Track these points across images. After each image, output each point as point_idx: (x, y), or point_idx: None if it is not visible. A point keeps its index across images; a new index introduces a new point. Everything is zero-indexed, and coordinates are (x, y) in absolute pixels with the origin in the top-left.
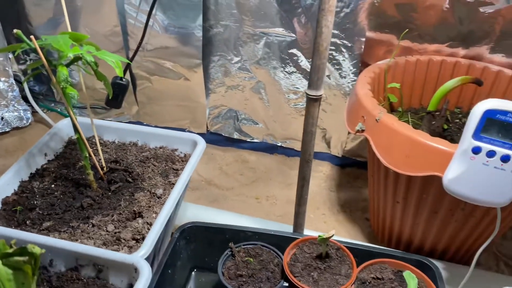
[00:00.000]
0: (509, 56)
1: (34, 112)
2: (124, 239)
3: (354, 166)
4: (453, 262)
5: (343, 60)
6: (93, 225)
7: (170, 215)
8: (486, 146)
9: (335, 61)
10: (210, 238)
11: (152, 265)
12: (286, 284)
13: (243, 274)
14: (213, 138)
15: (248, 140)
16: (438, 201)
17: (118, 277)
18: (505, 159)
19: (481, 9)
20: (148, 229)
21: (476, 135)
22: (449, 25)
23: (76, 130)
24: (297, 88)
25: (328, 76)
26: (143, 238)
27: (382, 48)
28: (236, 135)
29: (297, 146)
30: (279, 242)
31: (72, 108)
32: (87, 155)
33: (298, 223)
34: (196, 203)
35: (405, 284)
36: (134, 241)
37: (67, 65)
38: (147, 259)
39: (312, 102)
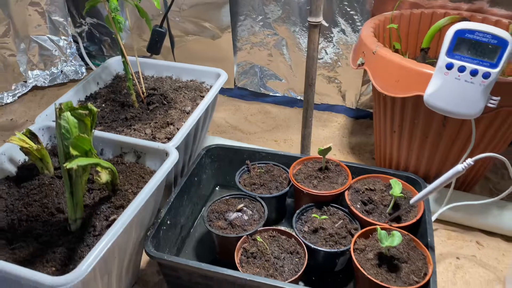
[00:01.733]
0: (507, 8)
1: (88, 68)
2: (158, 138)
3: (366, 117)
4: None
5: (355, 14)
6: (135, 130)
7: (197, 123)
8: (457, 62)
9: (348, 16)
10: (230, 158)
11: (181, 174)
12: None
13: (256, 183)
14: (240, 93)
15: (271, 94)
16: (428, 125)
17: (152, 161)
18: (473, 73)
19: None
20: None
21: (449, 53)
22: None
23: (122, 54)
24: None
25: (343, 31)
26: (174, 136)
27: (390, 3)
28: (260, 90)
29: (315, 99)
30: (288, 161)
31: (120, 32)
32: (130, 77)
33: (304, 145)
34: None
35: None
36: (166, 139)
37: None
38: (177, 162)
39: (313, 28)
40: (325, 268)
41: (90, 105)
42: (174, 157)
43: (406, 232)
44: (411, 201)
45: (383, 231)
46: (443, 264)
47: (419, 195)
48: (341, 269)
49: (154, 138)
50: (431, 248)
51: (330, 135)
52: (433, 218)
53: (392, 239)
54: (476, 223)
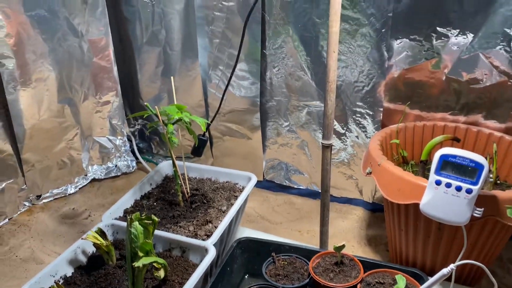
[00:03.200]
0: (500, 121)
1: (138, 162)
2: (199, 235)
3: (382, 211)
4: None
5: (367, 124)
6: (180, 226)
7: (231, 221)
8: (444, 180)
9: (361, 125)
10: (258, 249)
11: (216, 264)
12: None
13: (280, 274)
14: (268, 185)
15: (295, 187)
16: (428, 227)
17: (194, 255)
18: (458, 189)
19: (471, 86)
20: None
21: (437, 172)
22: (450, 98)
23: (174, 164)
24: (333, 146)
25: (357, 137)
26: (212, 234)
27: (397, 115)
28: (286, 183)
29: (335, 192)
30: (309, 254)
31: (172, 149)
32: (179, 182)
33: (323, 240)
34: None
35: None
36: (206, 236)
37: (173, 123)
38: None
39: (325, 148)
40: None
41: (154, 217)
42: (212, 253)
43: None
44: None
45: None
46: None
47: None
48: None
49: (196, 235)
50: None
51: (349, 227)
52: None
53: None
54: None
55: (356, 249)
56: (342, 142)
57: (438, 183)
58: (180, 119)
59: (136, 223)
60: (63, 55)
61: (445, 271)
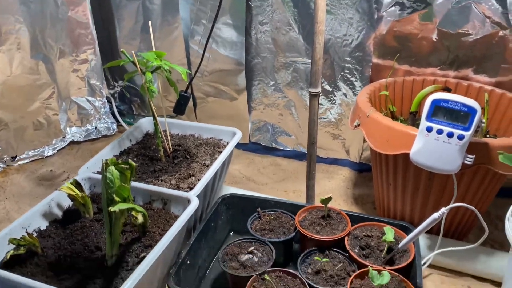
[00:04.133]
0: (490, 75)
1: (119, 125)
2: (182, 188)
3: (369, 171)
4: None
5: (355, 81)
6: (162, 180)
7: (215, 175)
8: (435, 126)
9: (349, 82)
10: (243, 206)
11: (200, 220)
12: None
13: (266, 229)
14: (254, 147)
15: (282, 148)
16: (417, 179)
17: (176, 207)
18: (449, 135)
19: (463, 39)
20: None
21: (428, 118)
22: (439, 52)
23: (154, 117)
24: (321, 105)
25: (344, 94)
26: (195, 186)
27: (386, 71)
28: (272, 145)
29: (321, 153)
30: (295, 209)
31: (152, 99)
32: (160, 136)
33: (309, 195)
34: None
35: None
36: (189, 189)
37: (152, 71)
38: (196, 212)
39: (313, 97)
40: None
41: (130, 161)
42: (195, 204)
43: (398, 274)
44: (400, 245)
45: (374, 272)
46: None
47: (405, 240)
48: None
49: (178, 188)
50: None
51: (335, 187)
52: (426, 263)
53: (382, 278)
54: (466, 269)
55: (343, 207)
56: (330, 101)
57: (429, 129)
58: (159, 67)
59: (112, 167)
60: (35, 7)
61: (436, 215)
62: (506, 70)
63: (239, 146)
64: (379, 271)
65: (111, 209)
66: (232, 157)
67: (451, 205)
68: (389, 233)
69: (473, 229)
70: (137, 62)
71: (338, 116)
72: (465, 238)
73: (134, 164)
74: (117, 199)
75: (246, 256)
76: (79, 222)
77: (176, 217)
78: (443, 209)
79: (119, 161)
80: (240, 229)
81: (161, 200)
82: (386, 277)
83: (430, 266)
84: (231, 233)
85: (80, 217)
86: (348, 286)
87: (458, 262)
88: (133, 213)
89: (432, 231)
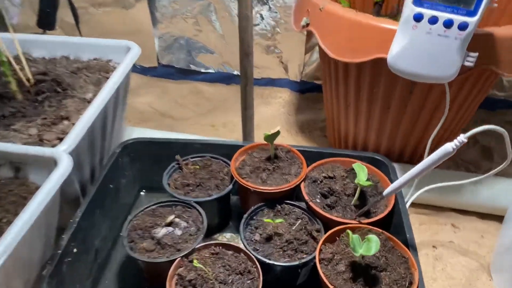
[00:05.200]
0: None
1: None
2: (47, 140)
3: (313, 90)
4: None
5: None
6: (15, 130)
7: (104, 113)
8: (427, 12)
9: None
10: (156, 154)
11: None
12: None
13: (191, 184)
14: (165, 71)
15: (203, 70)
16: (390, 94)
17: (38, 174)
18: (447, 24)
19: None
20: None
21: (417, 2)
22: None
23: None
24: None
25: None
26: (67, 136)
27: None
28: (189, 67)
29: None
30: (229, 152)
31: None
32: (5, 59)
33: (247, 131)
34: None
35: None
36: (59, 141)
37: None
38: (80, 167)
39: None
40: (285, 284)
41: None
42: (65, 166)
43: (379, 230)
44: (385, 193)
45: (355, 236)
46: (419, 256)
47: (394, 184)
48: (304, 281)
49: (41, 141)
50: (412, 247)
51: (274, 114)
52: (407, 204)
53: (368, 246)
54: (450, 203)
55: (287, 139)
56: (260, 0)
57: (418, 18)
58: None
59: None
60: None
61: (449, 147)
62: None
63: (145, 71)
64: (357, 230)
65: None
66: (130, 84)
67: (476, 129)
68: (361, 172)
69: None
70: None
71: (272, 21)
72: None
73: None
74: None
75: (164, 230)
76: None
77: (38, 189)
78: (462, 137)
79: None
80: (153, 185)
81: (11, 164)
82: (374, 244)
83: None
84: (142, 193)
85: None
86: (317, 256)
87: (441, 197)
88: None
89: (402, 160)
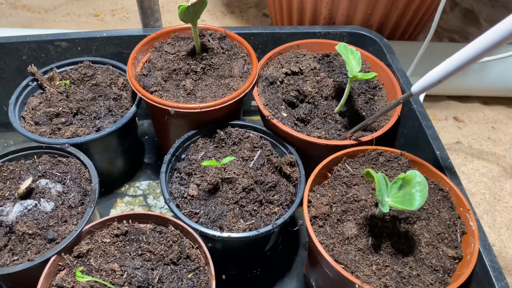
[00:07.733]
0: None
1: None
2: None
3: None
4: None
5: None
6: None
7: None
8: None
9: None
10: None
11: None
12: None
13: (62, 112)
14: None
15: None
16: None
17: None
18: None
19: None
20: None
21: None
22: None
23: None
24: None
25: None
26: None
27: None
28: None
29: None
30: (123, 49)
31: None
32: None
33: (148, 12)
34: None
35: (338, 69)
36: None
37: None
38: None
39: None
40: (249, 254)
41: None
42: None
43: (397, 150)
44: (417, 89)
45: (380, 176)
46: None
47: (435, 75)
48: (272, 246)
49: None
50: (448, 169)
51: None
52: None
53: (407, 191)
54: (452, 88)
55: (210, 23)
56: None
57: None
58: None
59: None
60: None
61: None
62: None
63: None
64: (353, 156)
65: None
66: None
67: None
68: (351, 57)
69: (426, 26)
70: None
71: None
72: (417, 39)
73: None
74: None
75: (18, 207)
76: None
77: None
78: None
79: None
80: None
81: None
82: (419, 188)
83: None
84: None
85: None
86: (306, 214)
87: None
88: None
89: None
